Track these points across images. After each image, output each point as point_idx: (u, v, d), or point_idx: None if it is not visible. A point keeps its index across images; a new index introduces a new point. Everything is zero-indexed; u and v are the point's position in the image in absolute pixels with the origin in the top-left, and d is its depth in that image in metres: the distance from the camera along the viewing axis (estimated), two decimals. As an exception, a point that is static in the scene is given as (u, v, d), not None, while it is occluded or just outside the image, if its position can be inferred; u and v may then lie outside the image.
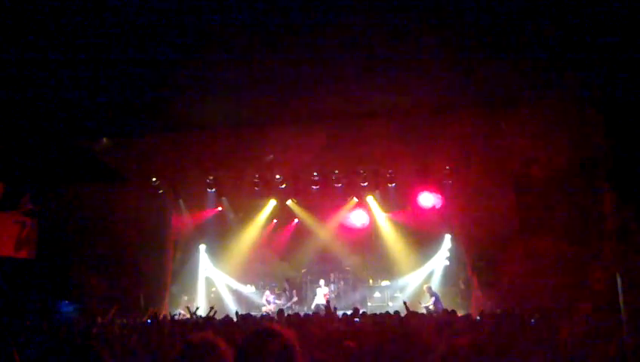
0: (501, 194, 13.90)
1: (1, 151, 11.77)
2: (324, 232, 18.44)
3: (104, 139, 14.22)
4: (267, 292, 17.38)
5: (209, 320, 9.72)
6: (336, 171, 16.65)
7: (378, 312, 11.64)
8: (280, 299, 17.23)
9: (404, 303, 10.65)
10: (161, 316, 11.84)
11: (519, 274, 12.96)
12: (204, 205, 17.86)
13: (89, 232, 15.13)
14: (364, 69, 11.03)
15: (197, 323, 9.47)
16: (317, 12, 8.67)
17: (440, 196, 17.00)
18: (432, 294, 15.25)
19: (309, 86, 11.52)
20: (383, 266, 18.03)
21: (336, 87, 11.72)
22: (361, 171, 16.74)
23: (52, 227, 14.69)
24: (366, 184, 17.13)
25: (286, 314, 11.02)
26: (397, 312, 10.11)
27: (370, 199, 18.10)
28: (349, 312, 10.90)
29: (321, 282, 17.26)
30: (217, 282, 18.22)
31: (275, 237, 18.76)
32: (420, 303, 15.32)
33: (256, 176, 16.80)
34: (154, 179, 16.24)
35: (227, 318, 10.71)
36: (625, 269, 8.85)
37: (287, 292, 17.64)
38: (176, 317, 11.42)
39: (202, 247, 18.16)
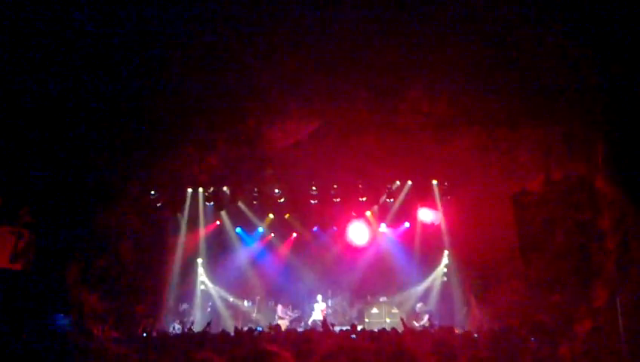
0: (500, 210, 13.86)
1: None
2: (322, 247, 18.31)
3: (104, 153, 14.17)
4: (280, 307, 17.26)
5: (205, 335, 9.63)
6: (335, 186, 16.63)
7: (375, 328, 11.57)
8: (293, 312, 17.18)
9: (402, 319, 10.59)
10: (157, 330, 11.73)
11: (518, 290, 12.88)
12: (203, 219, 17.77)
13: (88, 245, 15.01)
14: (363, 84, 11.06)
15: (193, 338, 9.38)
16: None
17: (439, 212, 16.97)
18: (426, 311, 15.22)
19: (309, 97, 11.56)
20: (380, 282, 17.88)
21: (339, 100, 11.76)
22: (360, 186, 16.72)
23: (49, 239, 14.57)
24: (365, 199, 17.11)
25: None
26: (394, 329, 10.05)
27: (368, 214, 18.04)
28: (345, 328, 10.82)
29: (319, 297, 17.16)
30: (214, 296, 18.05)
31: (274, 251, 18.63)
32: (415, 323, 15.25)
33: (255, 190, 16.77)
34: (152, 193, 16.18)
35: (224, 333, 10.61)
36: (625, 286, 8.81)
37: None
38: (172, 332, 11.32)
39: (199, 261, 18.03)
